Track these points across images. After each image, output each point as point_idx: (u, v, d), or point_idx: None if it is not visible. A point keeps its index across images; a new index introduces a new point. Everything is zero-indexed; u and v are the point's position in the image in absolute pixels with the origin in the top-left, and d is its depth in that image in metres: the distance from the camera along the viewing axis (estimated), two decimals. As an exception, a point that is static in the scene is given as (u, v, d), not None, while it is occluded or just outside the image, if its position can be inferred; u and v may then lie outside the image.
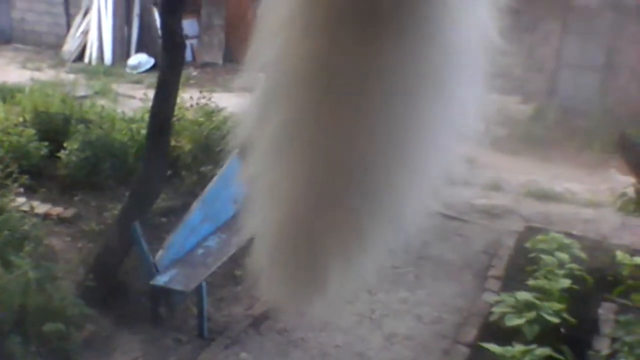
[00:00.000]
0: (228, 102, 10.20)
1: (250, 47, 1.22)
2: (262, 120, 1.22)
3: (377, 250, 1.32)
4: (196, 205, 6.44)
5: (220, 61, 15.56)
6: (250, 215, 1.32)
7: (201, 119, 9.01)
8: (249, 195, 1.30)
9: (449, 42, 1.13)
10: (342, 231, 1.25)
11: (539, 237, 7.26)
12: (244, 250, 5.79)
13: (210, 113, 9.18)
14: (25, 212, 6.49)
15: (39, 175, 8.15)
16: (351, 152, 1.17)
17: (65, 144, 8.26)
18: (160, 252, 5.97)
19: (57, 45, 16.04)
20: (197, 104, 9.30)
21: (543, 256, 6.76)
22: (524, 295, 5.95)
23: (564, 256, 6.73)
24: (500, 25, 1.15)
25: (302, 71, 1.16)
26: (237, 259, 6.80)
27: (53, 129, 8.89)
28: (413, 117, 1.16)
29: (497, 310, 5.97)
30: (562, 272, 6.46)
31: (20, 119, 8.95)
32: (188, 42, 10.35)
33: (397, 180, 1.21)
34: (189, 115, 9.09)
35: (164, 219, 7.47)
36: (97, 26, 15.41)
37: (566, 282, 6.24)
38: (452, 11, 1.12)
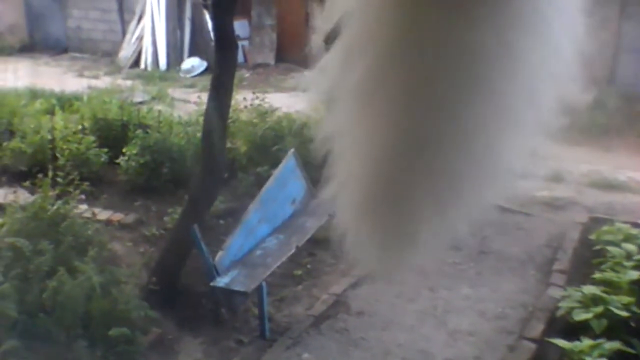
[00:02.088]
0: (281, 102, 10.24)
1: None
2: (345, 71, 1.17)
3: (470, 203, 1.24)
4: (253, 207, 6.46)
5: (272, 62, 15.61)
6: (334, 173, 1.27)
7: (255, 120, 9.05)
8: (332, 153, 1.26)
9: None
10: (434, 182, 1.19)
11: (604, 228, 7.07)
12: (303, 249, 5.79)
13: (264, 113, 9.21)
14: (87, 218, 6.60)
15: (99, 181, 8.29)
16: (443, 99, 1.11)
17: (124, 150, 8.39)
18: (219, 254, 6.00)
19: (113, 52, 16.32)
20: (251, 105, 9.34)
21: (609, 248, 6.57)
22: (591, 289, 5.80)
23: (631, 247, 6.54)
24: None
25: (390, 18, 1.10)
26: (296, 259, 6.81)
27: (112, 136, 9.04)
28: (509, 65, 1.09)
29: (564, 305, 5.83)
30: (629, 263, 6.27)
31: (79, 127, 9.11)
32: (239, 44, 10.39)
33: (493, 128, 1.14)
34: (243, 116, 9.13)
35: (221, 221, 7.52)
36: (151, 31, 15.62)
37: (635, 274, 6.05)
38: None
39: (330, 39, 1.16)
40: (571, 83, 1.15)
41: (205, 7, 15.09)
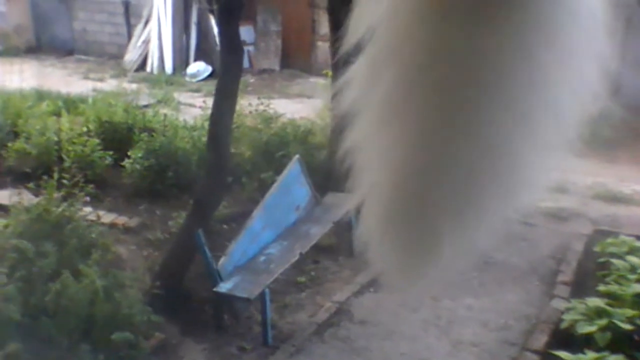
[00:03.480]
0: (286, 108, 10.25)
1: (353, 9, 1.17)
2: (370, 82, 1.18)
3: (493, 217, 1.24)
4: (257, 212, 6.45)
5: (277, 67, 15.63)
6: (357, 183, 1.28)
7: (260, 126, 9.06)
8: (355, 164, 1.26)
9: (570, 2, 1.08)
10: (458, 195, 1.18)
11: (609, 240, 7.05)
12: (306, 256, 5.77)
13: (268, 119, 9.22)
14: (92, 221, 6.59)
15: (103, 184, 8.29)
16: (467, 113, 1.11)
17: (129, 153, 8.39)
18: (222, 259, 5.99)
19: (119, 55, 16.35)
20: (256, 110, 9.34)
21: (613, 260, 6.56)
22: (594, 302, 5.78)
23: (635, 260, 6.52)
24: None
25: (416, 30, 1.10)
26: (300, 266, 6.80)
27: (117, 139, 9.05)
28: (536, 80, 1.09)
29: (567, 317, 5.81)
30: (634, 276, 6.25)
31: (84, 129, 9.12)
32: (245, 49, 10.40)
33: (517, 143, 1.14)
34: (248, 122, 9.14)
35: (225, 226, 7.51)
36: (157, 35, 15.65)
37: (639, 287, 6.03)
38: None
39: (354, 52, 1.16)
40: (593, 98, 1.16)
41: (212, 12, 15.10)
